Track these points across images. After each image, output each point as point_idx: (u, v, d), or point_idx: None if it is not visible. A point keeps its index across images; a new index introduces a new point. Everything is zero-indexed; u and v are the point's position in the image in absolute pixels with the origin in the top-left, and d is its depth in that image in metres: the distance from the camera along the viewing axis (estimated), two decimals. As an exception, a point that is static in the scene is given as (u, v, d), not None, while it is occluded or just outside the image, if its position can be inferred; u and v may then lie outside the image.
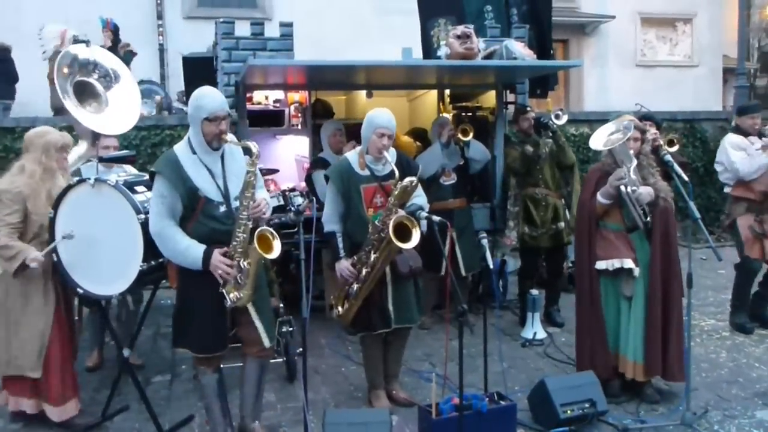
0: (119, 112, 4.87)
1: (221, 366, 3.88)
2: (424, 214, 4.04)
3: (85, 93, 4.83)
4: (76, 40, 5.07)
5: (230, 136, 3.56)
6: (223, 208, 3.55)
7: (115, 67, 4.95)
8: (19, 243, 3.89)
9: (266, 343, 3.74)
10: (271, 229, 3.53)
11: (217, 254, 3.47)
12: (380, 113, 4.25)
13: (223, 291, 3.54)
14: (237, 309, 3.62)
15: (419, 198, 4.32)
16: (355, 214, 4.24)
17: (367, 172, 4.26)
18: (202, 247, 3.48)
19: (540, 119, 5.93)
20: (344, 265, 4.22)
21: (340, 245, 4.29)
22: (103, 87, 4.83)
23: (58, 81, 4.42)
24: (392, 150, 4.34)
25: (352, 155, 4.38)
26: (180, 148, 3.60)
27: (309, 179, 5.96)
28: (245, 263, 3.51)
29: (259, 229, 3.50)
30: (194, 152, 3.55)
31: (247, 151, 3.55)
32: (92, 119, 4.47)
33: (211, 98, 3.52)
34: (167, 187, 3.47)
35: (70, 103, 4.61)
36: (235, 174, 3.61)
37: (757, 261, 5.77)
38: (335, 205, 4.30)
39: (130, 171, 4.71)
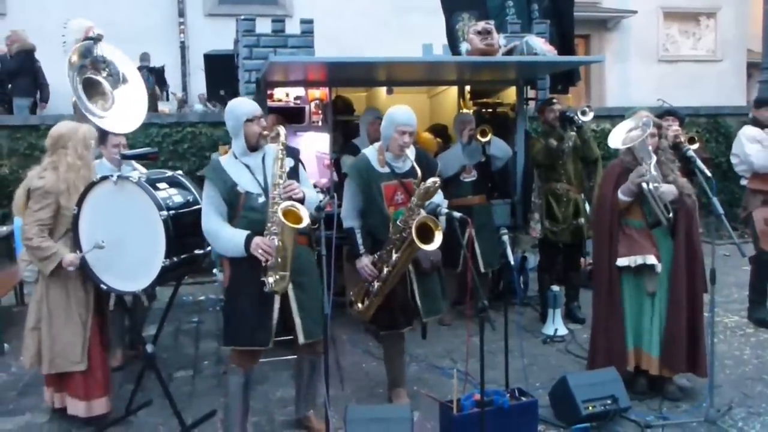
0: (125, 111, 4.96)
1: (258, 362, 3.94)
2: (444, 210, 4.02)
3: (92, 90, 4.90)
4: (88, 38, 5.13)
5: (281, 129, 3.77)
6: (261, 199, 3.70)
7: (125, 69, 5.03)
8: (53, 243, 3.93)
9: (300, 339, 3.78)
10: (296, 204, 3.60)
11: (257, 237, 3.61)
12: (401, 110, 4.22)
13: (264, 279, 3.62)
14: (285, 303, 3.71)
15: (436, 197, 4.31)
16: (376, 211, 4.23)
17: (387, 169, 4.25)
18: (244, 234, 3.63)
19: (566, 113, 5.90)
20: (365, 263, 4.22)
21: (359, 241, 4.28)
22: (111, 86, 4.91)
23: (69, 73, 4.49)
24: (411, 147, 4.34)
25: (371, 151, 4.37)
26: (223, 156, 3.89)
27: (338, 163, 6.12)
28: (278, 242, 3.59)
29: (283, 204, 3.56)
30: (236, 157, 3.78)
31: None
32: (99, 116, 4.55)
33: (244, 102, 3.85)
34: (214, 191, 3.70)
35: (83, 98, 4.67)
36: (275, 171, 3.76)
37: None
38: (354, 201, 4.31)
39: (140, 169, 4.74)
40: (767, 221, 5.71)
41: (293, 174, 3.84)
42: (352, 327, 5.98)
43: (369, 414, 3.78)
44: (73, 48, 4.97)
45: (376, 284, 4.18)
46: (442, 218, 4.07)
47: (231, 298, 3.80)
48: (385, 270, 4.13)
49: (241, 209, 3.69)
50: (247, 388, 3.88)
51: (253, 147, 3.76)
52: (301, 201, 3.64)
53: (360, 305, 4.33)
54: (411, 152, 4.27)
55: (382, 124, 4.28)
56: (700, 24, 14.89)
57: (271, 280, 3.61)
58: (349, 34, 10.86)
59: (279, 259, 3.60)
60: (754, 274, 5.93)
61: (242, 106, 3.79)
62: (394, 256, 4.08)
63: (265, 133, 3.76)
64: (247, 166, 3.74)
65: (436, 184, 4.04)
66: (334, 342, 4.89)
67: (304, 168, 4.18)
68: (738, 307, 6.38)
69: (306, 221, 3.55)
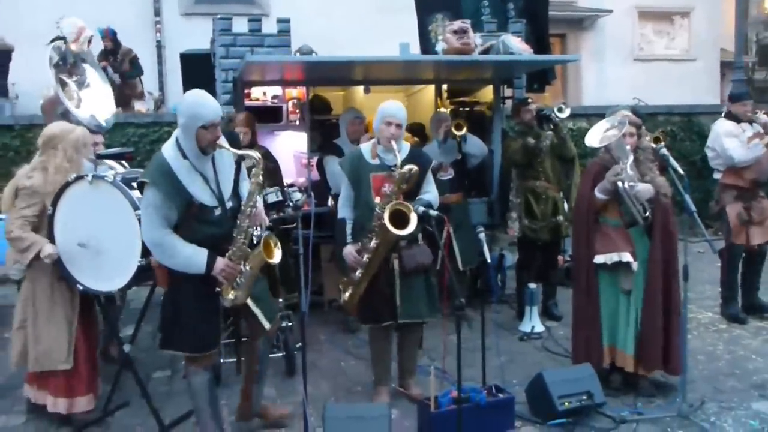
0: (92, 111, 4.97)
1: (218, 363, 3.90)
2: (421, 208, 4.06)
3: (62, 91, 4.90)
4: (57, 37, 5.14)
5: (223, 140, 3.50)
6: (217, 212, 3.55)
7: (90, 78, 5.04)
8: (32, 235, 3.92)
9: (266, 325, 3.78)
10: (275, 237, 3.59)
11: (221, 259, 3.48)
12: (389, 103, 4.34)
13: (220, 290, 3.56)
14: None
15: (429, 194, 4.36)
16: (363, 201, 4.30)
17: (377, 161, 4.33)
18: (205, 253, 3.46)
19: (542, 111, 5.95)
20: (349, 250, 4.29)
21: (348, 231, 4.37)
22: (77, 88, 4.92)
23: (50, 65, 4.50)
24: (406, 144, 4.42)
25: (366, 146, 4.47)
26: (170, 153, 3.49)
27: (320, 164, 6.13)
28: (247, 267, 3.55)
29: (266, 235, 3.56)
30: (185, 157, 3.47)
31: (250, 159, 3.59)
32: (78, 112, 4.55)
33: (207, 106, 3.44)
34: (162, 199, 3.40)
35: (63, 96, 4.67)
36: (225, 175, 3.62)
37: (741, 245, 5.86)
38: (348, 192, 4.40)
39: (116, 168, 4.72)
40: (739, 216, 5.80)
41: (238, 172, 3.72)
42: (330, 326, 6.00)
43: (347, 412, 3.80)
44: (55, 44, 4.99)
45: (359, 272, 4.24)
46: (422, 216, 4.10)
47: (175, 300, 3.60)
48: (365, 257, 4.19)
49: (192, 220, 3.50)
50: (213, 384, 3.82)
51: (204, 151, 3.51)
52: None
53: (346, 295, 4.39)
54: (405, 149, 4.34)
55: (375, 118, 4.35)
56: (674, 24, 15.04)
57: (230, 296, 3.57)
58: (328, 33, 10.82)
59: (241, 281, 3.57)
60: (724, 268, 6.03)
61: (201, 109, 3.42)
62: (373, 242, 4.15)
63: (218, 143, 3.48)
64: (201, 174, 3.50)
65: (412, 171, 4.11)
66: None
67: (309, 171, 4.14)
68: (711, 303, 6.47)
69: (278, 257, 3.55)
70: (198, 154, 3.49)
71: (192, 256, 3.45)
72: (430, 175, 4.45)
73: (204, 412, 3.77)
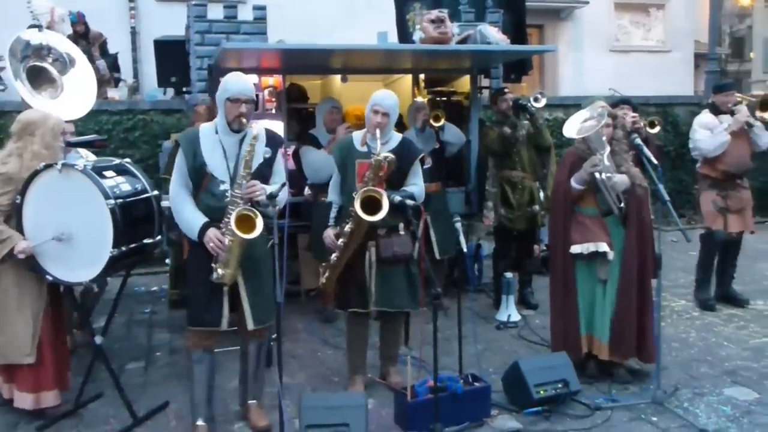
0: (75, 96, 4.85)
1: (214, 350, 3.92)
2: (397, 198, 4.05)
3: (40, 78, 4.78)
4: (32, 25, 5.02)
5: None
6: (224, 186, 3.68)
7: (69, 51, 4.92)
8: (7, 228, 3.84)
9: (249, 325, 3.79)
10: (252, 209, 3.58)
11: (212, 230, 3.61)
12: (379, 92, 4.36)
13: (213, 265, 3.65)
14: (234, 289, 3.73)
15: (414, 187, 4.33)
16: (348, 187, 4.31)
17: (365, 149, 4.33)
18: (202, 220, 3.65)
19: (518, 101, 5.96)
20: (328, 233, 4.34)
21: (332, 215, 4.42)
22: (58, 71, 4.80)
23: (11, 65, 4.40)
24: (398, 134, 4.43)
25: (358, 133, 4.47)
26: (206, 126, 3.82)
27: (296, 154, 6.05)
28: (228, 241, 3.58)
29: (238, 209, 3.55)
30: (217, 132, 3.73)
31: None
32: (48, 105, 4.44)
33: (234, 81, 3.72)
34: (181, 158, 3.71)
35: (24, 89, 4.56)
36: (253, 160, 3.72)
37: (721, 231, 5.96)
38: (336, 177, 4.45)
39: (88, 156, 4.64)
40: (714, 203, 5.96)
41: (267, 166, 3.80)
42: (307, 315, 5.98)
43: (324, 402, 3.80)
44: (12, 42, 4.86)
45: (334, 255, 4.26)
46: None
47: (188, 278, 3.87)
48: (341, 241, 4.21)
49: (202, 191, 3.70)
50: (212, 369, 3.88)
51: (233, 127, 3.69)
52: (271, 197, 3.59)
53: (323, 278, 4.41)
54: (395, 138, 4.35)
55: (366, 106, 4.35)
56: (650, 15, 15.14)
57: (220, 271, 3.64)
58: (309, 20, 10.75)
59: (227, 256, 3.61)
60: (702, 252, 6.17)
61: (231, 83, 3.71)
62: (348, 227, 4.16)
63: (244, 120, 3.67)
64: (223, 148, 3.70)
65: (387, 158, 4.10)
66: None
67: (286, 160, 4.17)
68: (684, 291, 6.55)
69: (257, 232, 3.55)
70: (226, 129, 3.72)
71: (191, 220, 3.67)
72: (417, 168, 4.39)
73: (198, 393, 3.82)
